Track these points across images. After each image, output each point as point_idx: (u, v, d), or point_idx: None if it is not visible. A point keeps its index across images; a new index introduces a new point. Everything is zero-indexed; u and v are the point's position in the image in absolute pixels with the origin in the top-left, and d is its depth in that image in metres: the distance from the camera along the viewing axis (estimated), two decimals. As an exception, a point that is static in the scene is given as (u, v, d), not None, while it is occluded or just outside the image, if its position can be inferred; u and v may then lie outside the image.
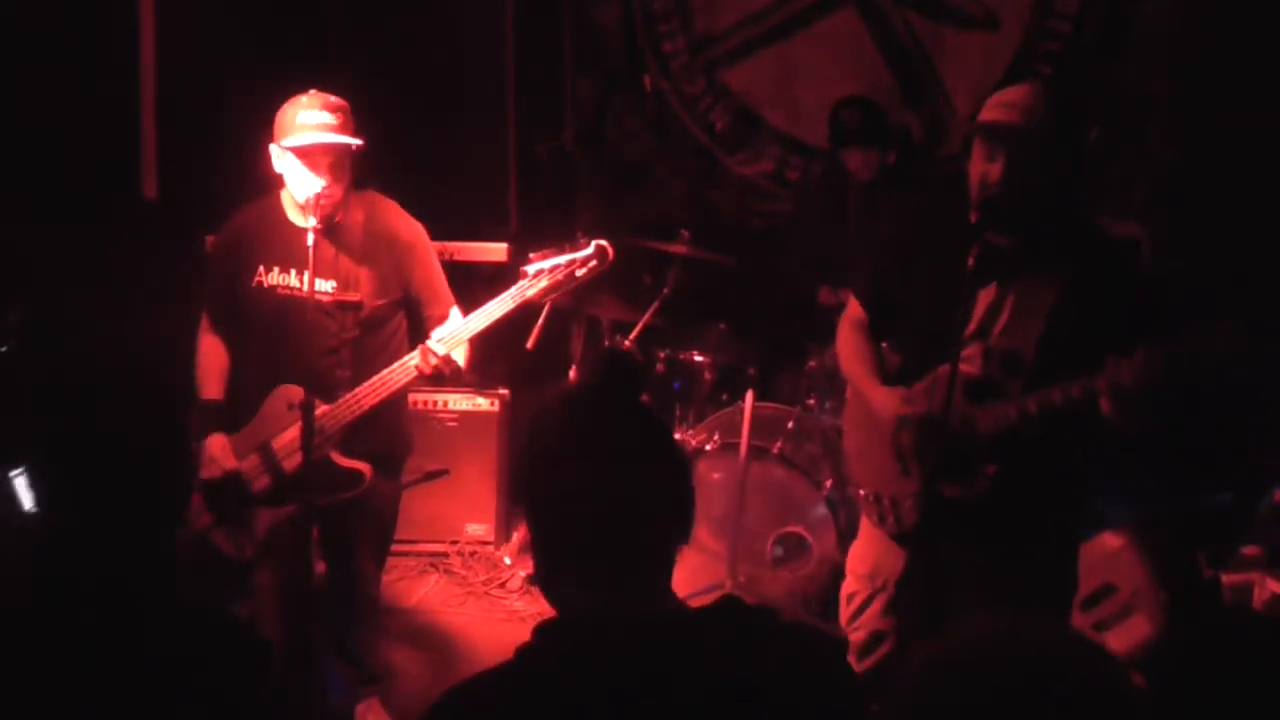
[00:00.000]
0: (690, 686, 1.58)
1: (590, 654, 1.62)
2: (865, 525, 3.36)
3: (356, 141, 3.50)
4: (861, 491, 3.27)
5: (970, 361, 2.92)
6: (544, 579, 1.74)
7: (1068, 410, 2.78)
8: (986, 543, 3.04)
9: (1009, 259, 2.88)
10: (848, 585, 3.40)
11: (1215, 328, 2.59)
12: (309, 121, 3.46)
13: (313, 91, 3.52)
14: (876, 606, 3.29)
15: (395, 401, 3.69)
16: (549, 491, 1.71)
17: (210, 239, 3.92)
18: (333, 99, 3.52)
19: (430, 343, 3.51)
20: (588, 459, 1.69)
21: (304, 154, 3.47)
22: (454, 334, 3.52)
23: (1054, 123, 2.78)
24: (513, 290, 3.51)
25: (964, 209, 2.91)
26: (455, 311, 3.67)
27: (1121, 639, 3.80)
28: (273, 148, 3.51)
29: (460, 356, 3.59)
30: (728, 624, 1.68)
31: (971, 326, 2.92)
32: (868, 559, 3.33)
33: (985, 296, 2.92)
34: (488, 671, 1.67)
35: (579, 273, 3.51)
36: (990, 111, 2.85)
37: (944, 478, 2.93)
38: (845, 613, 3.38)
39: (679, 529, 1.72)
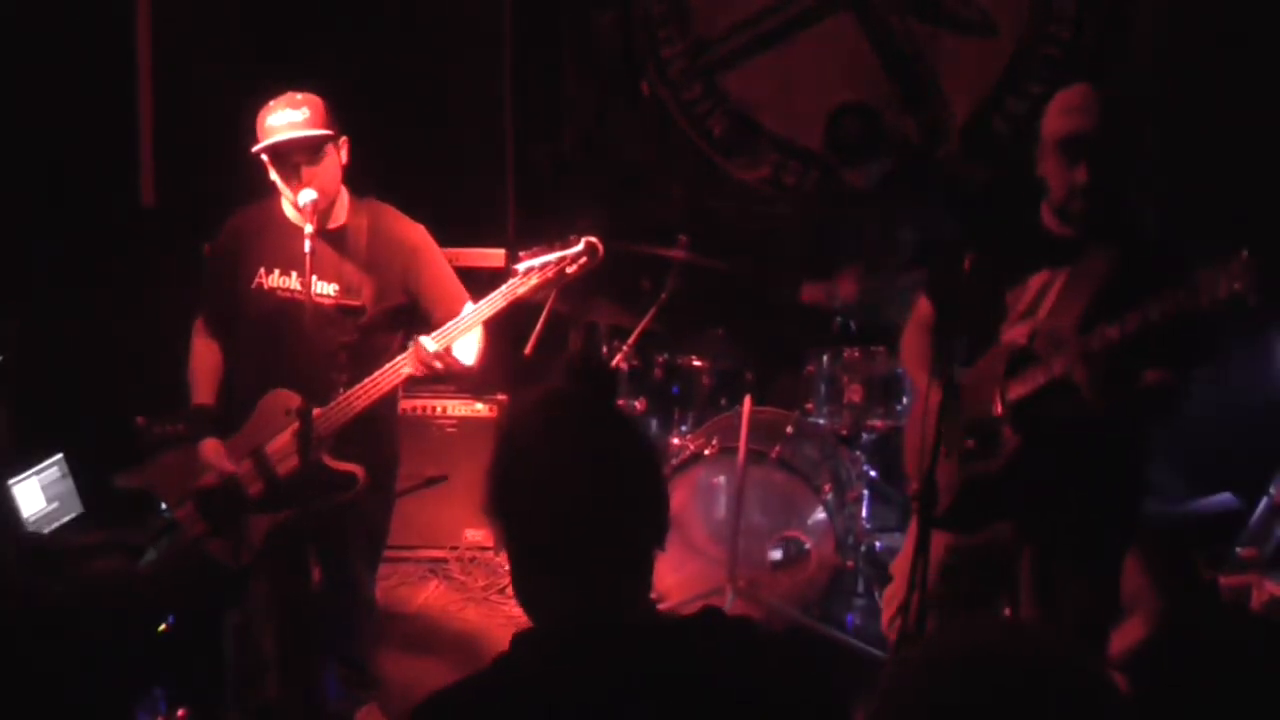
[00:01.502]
0: (669, 694, 1.57)
1: (568, 661, 1.60)
2: (913, 528, 3.42)
3: (325, 133, 3.47)
4: (913, 486, 3.36)
5: (1019, 338, 3.12)
6: (518, 587, 1.72)
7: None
8: (1019, 529, 3.18)
9: (1064, 247, 3.08)
10: (891, 586, 3.49)
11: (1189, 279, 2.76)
12: (276, 123, 3.45)
13: (286, 94, 3.49)
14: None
15: (386, 410, 3.68)
16: (520, 497, 1.69)
17: (208, 246, 3.91)
18: (299, 96, 3.49)
19: (422, 339, 3.48)
20: (558, 463, 1.67)
21: (275, 158, 3.46)
22: (445, 331, 3.50)
23: (1121, 120, 2.97)
24: (503, 288, 3.49)
25: (1017, 211, 3.17)
26: (469, 306, 3.61)
27: (1116, 641, 3.78)
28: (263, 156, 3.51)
29: (472, 352, 3.57)
30: (707, 632, 1.66)
31: (1022, 306, 3.14)
32: (910, 556, 3.37)
33: (1038, 280, 3.12)
34: (466, 679, 1.65)
35: (569, 269, 3.50)
36: (1061, 120, 3.00)
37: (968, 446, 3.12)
38: (886, 614, 3.47)
39: (653, 531, 1.69)
